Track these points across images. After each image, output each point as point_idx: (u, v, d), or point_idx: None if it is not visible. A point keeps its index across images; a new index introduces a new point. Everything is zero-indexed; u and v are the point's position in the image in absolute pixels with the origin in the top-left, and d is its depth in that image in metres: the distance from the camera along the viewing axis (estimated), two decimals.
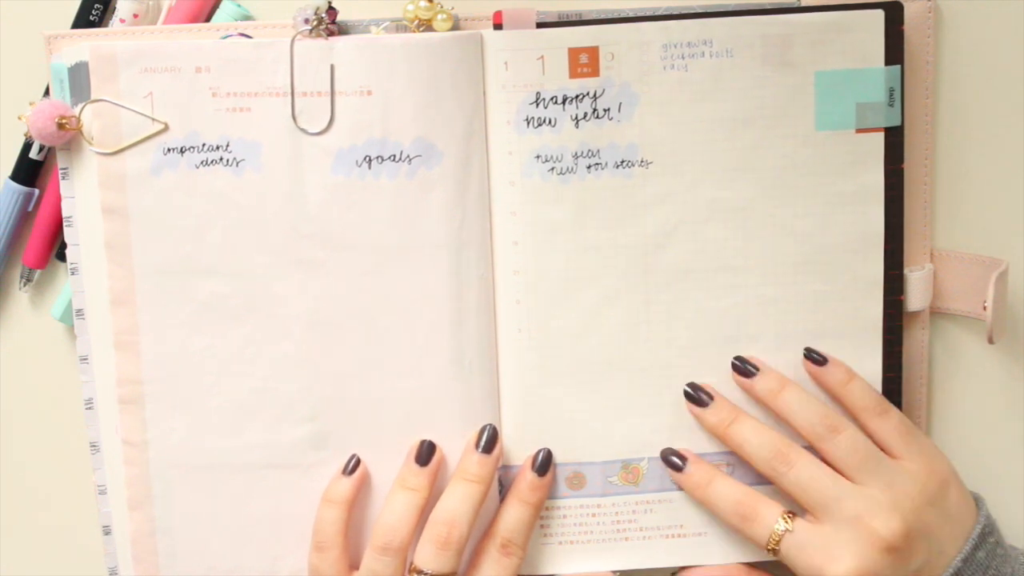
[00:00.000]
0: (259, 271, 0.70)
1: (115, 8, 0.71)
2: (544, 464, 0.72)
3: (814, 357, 0.71)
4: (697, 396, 0.71)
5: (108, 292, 0.70)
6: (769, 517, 0.69)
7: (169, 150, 0.69)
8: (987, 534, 0.69)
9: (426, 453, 0.70)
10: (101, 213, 0.69)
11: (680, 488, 0.72)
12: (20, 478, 0.77)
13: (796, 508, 0.69)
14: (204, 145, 0.69)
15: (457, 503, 0.69)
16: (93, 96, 0.68)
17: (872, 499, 0.67)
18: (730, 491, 0.70)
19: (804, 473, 0.69)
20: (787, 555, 0.68)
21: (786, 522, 0.68)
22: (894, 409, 0.70)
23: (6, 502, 0.77)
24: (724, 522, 0.71)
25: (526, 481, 0.71)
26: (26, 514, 0.77)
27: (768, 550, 0.69)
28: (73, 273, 0.71)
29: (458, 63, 0.69)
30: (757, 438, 0.70)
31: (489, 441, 0.70)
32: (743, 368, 0.71)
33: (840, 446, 0.69)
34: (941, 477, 0.69)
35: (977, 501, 0.71)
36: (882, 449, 0.69)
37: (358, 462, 0.71)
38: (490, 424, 0.71)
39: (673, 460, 0.72)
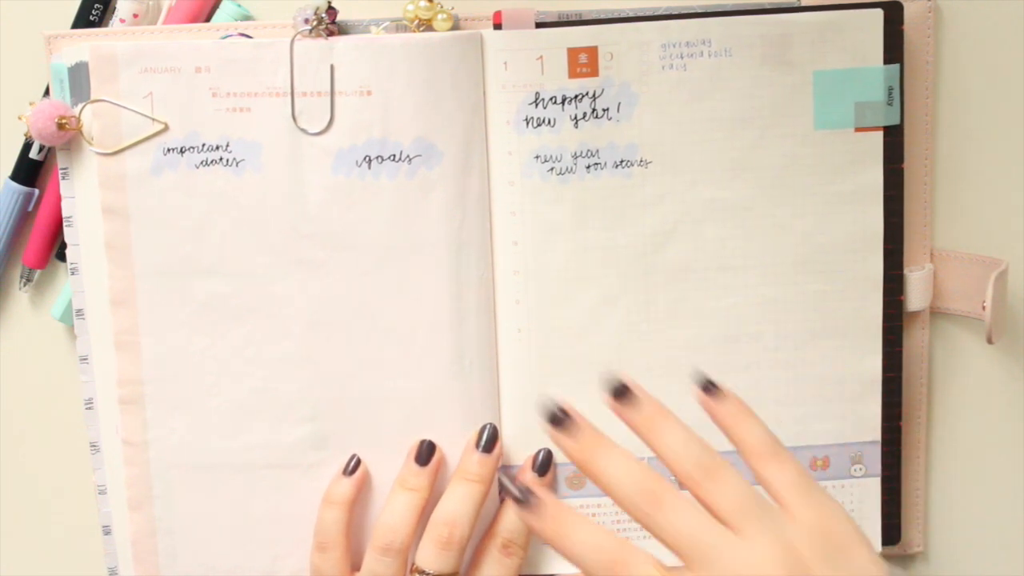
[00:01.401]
0: (259, 271, 0.70)
1: (115, 8, 0.71)
2: (544, 464, 0.71)
3: (707, 386, 0.61)
4: (554, 415, 0.60)
5: (108, 292, 0.70)
6: (641, 568, 0.58)
7: (169, 150, 0.69)
8: None
9: (426, 453, 0.70)
10: (101, 213, 0.69)
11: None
12: (20, 478, 0.77)
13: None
14: (204, 145, 0.69)
15: (458, 503, 0.69)
16: (93, 96, 0.68)
17: (756, 553, 0.57)
18: (597, 536, 0.59)
19: (677, 518, 0.57)
20: None
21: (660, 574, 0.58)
22: (792, 456, 0.60)
23: (6, 502, 0.77)
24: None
25: (527, 481, 0.71)
26: (26, 514, 0.77)
27: None
28: (73, 273, 0.71)
29: (458, 63, 0.69)
30: (621, 471, 0.59)
31: (489, 440, 0.70)
32: (618, 391, 0.61)
33: (721, 491, 0.58)
34: (841, 534, 0.59)
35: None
36: (774, 500, 0.59)
37: (358, 462, 0.71)
38: (490, 423, 0.71)
39: (520, 494, 0.59)
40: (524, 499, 0.59)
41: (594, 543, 0.58)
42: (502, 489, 0.69)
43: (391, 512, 0.69)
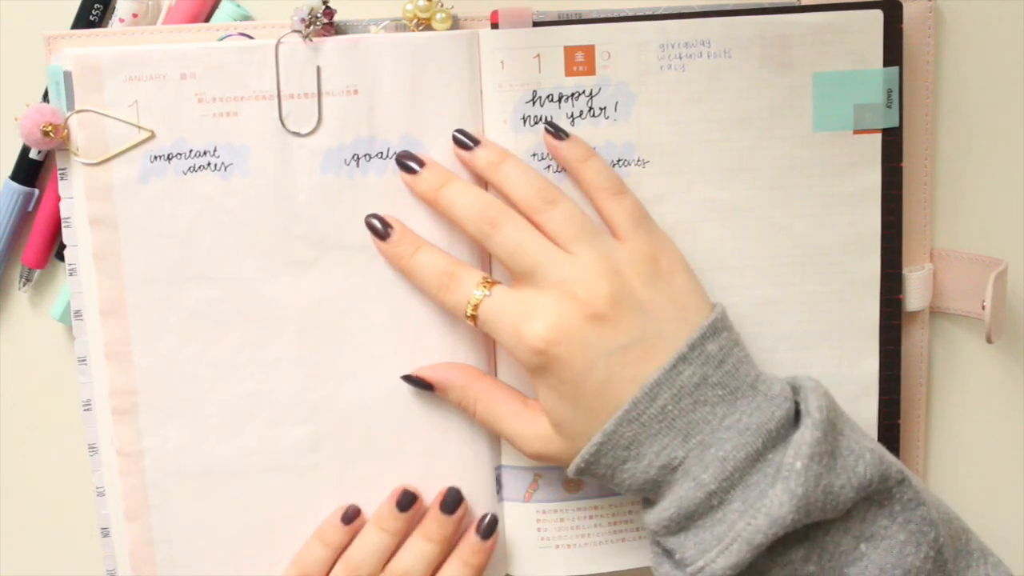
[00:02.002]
0: (250, 274, 0.70)
1: (115, 8, 0.71)
2: (489, 528, 0.71)
3: (555, 131, 0.68)
4: (405, 164, 0.68)
5: (98, 303, 0.70)
6: (468, 283, 0.66)
7: (156, 157, 0.69)
8: (720, 329, 0.64)
9: (407, 501, 0.70)
10: (88, 224, 0.69)
11: (386, 260, 0.69)
12: (20, 478, 0.77)
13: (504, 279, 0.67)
14: (191, 151, 0.69)
15: (414, 560, 0.70)
16: (78, 107, 0.68)
17: (580, 266, 0.64)
18: (433, 258, 0.68)
19: (512, 236, 0.65)
20: (484, 321, 0.66)
21: (485, 288, 0.66)
22: (631, 193, 0.67)
23: (6, 502, 0.77)
24: (428, 296, 0.68)
25: (469, 544, 0.71)
26: (26, 515, 0.77)
27: (468, 318, 0.66)
28: (72, 274, 0.71)
29: (448, 61, 0.68)
30: (466, 199, 0.66)
31: (451, 503, 0.70)
32: (462, 141, 0.68)
33: (556, 217, 0.65)
34: (667, 262, 0.66)
35: (715, 305, 0.66)
36: (612, 232, 0.66)
37: (357, 512, 0.71)
38: (455, 487, 0.71)
39: (380, 228, 0.68)
40: (378, 230, 0.68)
41: (431, 261, 0.67)
42: (367, 223, 0.69)
43: (361, 549, 0.70)
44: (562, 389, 0.64)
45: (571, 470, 0.65)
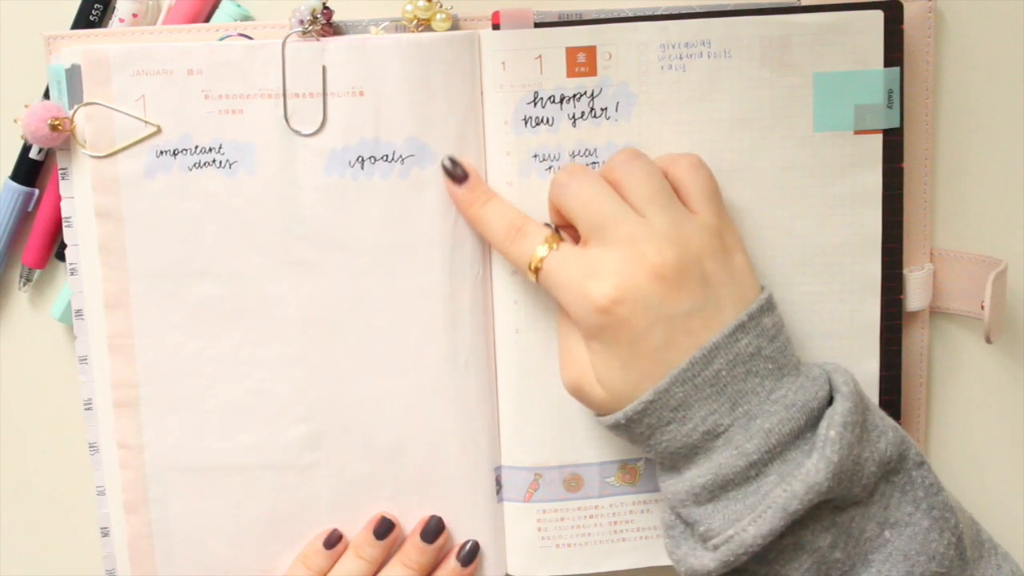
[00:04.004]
0: (253, 273, 0.70)
1: (115, 8, 0.71)
2: (470, 555, 0.72)
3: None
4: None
5: (102, 295, 0.70)
6: (536, 237, 0.66)
7: (162, 152, 0.69)
8: (773, 306, 0.65)
9: (384, 529, 0.71)
10: (95, 217, 0.69)
11: (456, 204, 0.70)
12: (20, 478, 0.77)
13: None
14: (197, 147, 0.69)
15: None
16: (86, 99, 0.68)
17: (652, 228, 0.63)
18: (503, 209, 0.68)
19: (584, 190, 0.65)
20: (548, 275, 0.65)
21: (553, 243, 0.66)
22: (707, 167, 0.67)
23: (6, 502, 0.77)
24: (493, 245, 0.69)
25: (448, 570, 0.72)
26: (26, 514, 0.77)
27: (532, 272, 0.66)
28: (72, 273, 0.71)
29: (451, 63, 0.69)
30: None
31: (432, 532, 0.71)
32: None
33: (634, 173, 0.65)
34: (730, 239, 0.66)
35: (763, 287, 0.66)
36: (684, 202, 0.66)
37: (339, 537, 0.71)
38: (437, 516, 0.71)
39: (457, 171, 0.69)
40: (455, 173, 0.69)
41: (502, 211, 0.68)
42: (443, 166, 0.69)
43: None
44: (617, 349, 0.63)
45: (608, 422, 0.65)
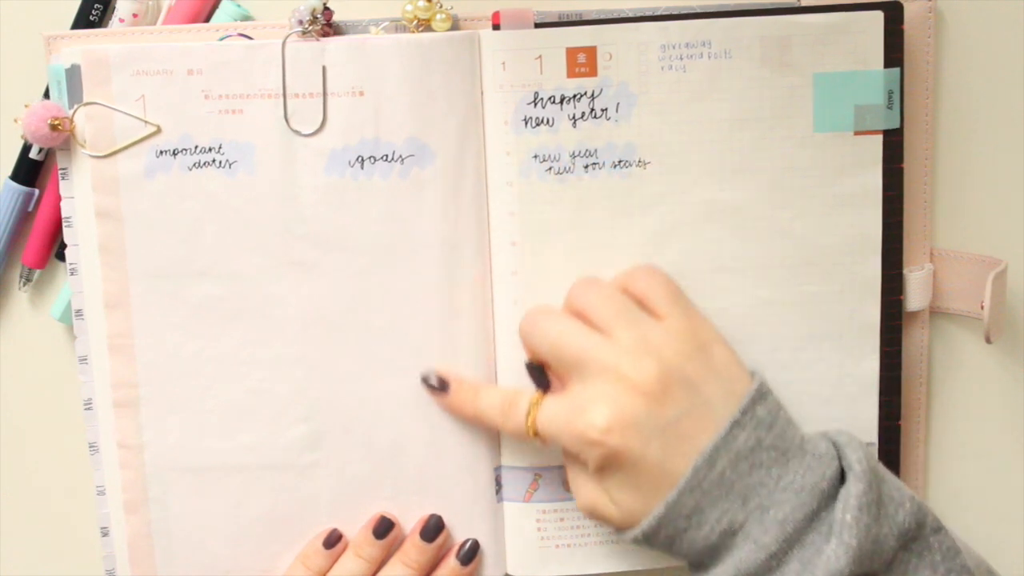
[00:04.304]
0: (253, 273, 0.70)
1: (115, 8, 0.71)
2: (469, 554, 0.72)
3: None
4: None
5: (102, 295, 0.70)
6: (523, 404, 0.67)
7: (162, 152, 0.69)
8: (765, 393, 0.65)
9: (383, 528, 0.71)
10: (95, 217, 0.69)
11: (449, 411, 0.70)
12: (20, 478, 0.77)
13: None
14: (197, 147, 0.69)
15: None
16: (86, 99, 0.68)
17: (624, 348, 0.64)
18: (493, 395, 0.69)
19: (549, 331, 0.67)
20: (545, 433, 0.66)
21: (536, 402, 0.66)
22: (663, 273, 0.68)
23: (6, 502, 0.77)
24: (498, 430, 0.70)
25: (448, 569, 0.72)
26: (26, 514, 0.77)
27: (535, 438, 0.67)
28: (72, 273, 0.71)
29: (451, 63, 0.69)
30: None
31: (432, 530, 0.71)
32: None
33: (592, 299, 0.67)
34: (704, 337, 0.66)
35: (753, 372, 0.67)
36: (648, 312, 0.67)
37: (339, 537, 0.71)
38: (436, 515, 0.71)
39: (438, 384, 0.70)
40: (438, 387, 0.70)
41: (491, 398, 0.69)
42: (424, 383, 0.70)
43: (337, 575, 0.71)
44: (622, 474, 0.64)
45: (627, 538, 0.66)
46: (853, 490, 0.62)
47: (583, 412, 0.64)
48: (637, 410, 0.63)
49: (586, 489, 0.66)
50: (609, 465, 0.64)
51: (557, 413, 0.66)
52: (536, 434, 0.67)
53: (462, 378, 0.70)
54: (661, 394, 0.63)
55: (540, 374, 0.69)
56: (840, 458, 0.64)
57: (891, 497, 0.63)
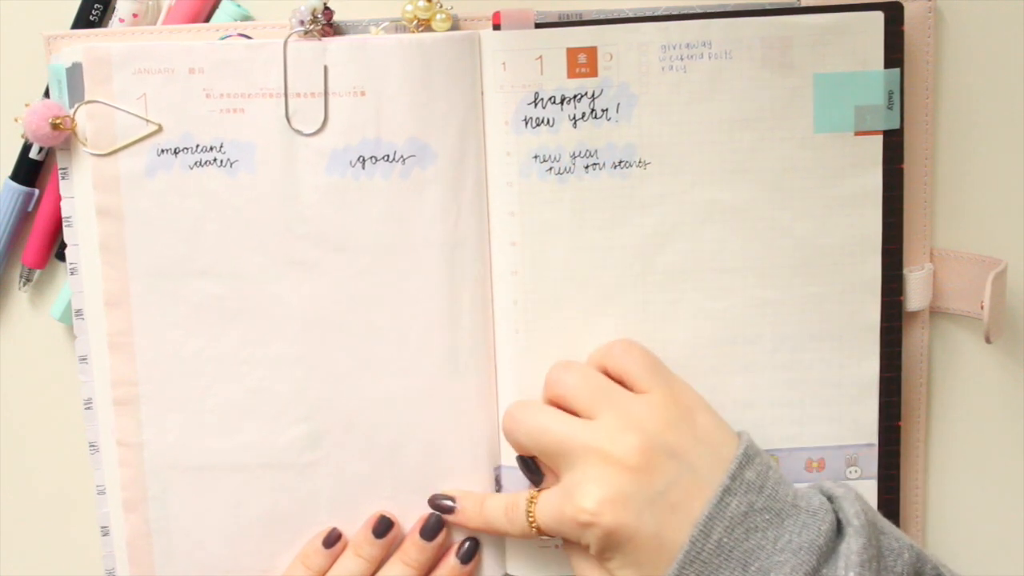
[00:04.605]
0: (253, 272, 0.70)
1: (115, 8, 0.71)
2: (469, 552, 0.72)
3: None
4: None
5: (103, 293, 0.70)
6: (522, 503, 0.68)
7: (163, 151, 0.69)
8: (753, 456, 0.65)
9: (383, 528, 0.71)
10: (95, 215, 0.69)
11: (460, 527, 0.71)
12: (20, 478, 0.77)
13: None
14: (198, 146, 0.69)
15: None
16: (87, 97, 0.68)
17: (605, 427, 0.65)
18: (496, 503, 0.69)
19: (531, 425, 0.67)
20: (546, 525, 0.66)
21: (531, 499, 0.67)
22: (640, 346, 0.69)
23: (6, 502, 0.77)
24: (506, 535, 0.70)
25: (448, 568, 0.72)
26: (26, 514, 0.77)
27: (536, 534, 0.67)
28: (72, 273, 0.71)
29: (452, 63, 0.69)
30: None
31: (432, 530, 0.71)
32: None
33: (569, 384, 0.67)
34: (685, 404, 0.67)
35: (739, 434, 0.68)
36: (628, 387, 0.67)
37: (339, 536, 0.71)
38: (436, 514, 0.71)
39: (444, 504, 0.71)
40: (443, 508, 0.70)
41: (495, 506, 0.69)
42: (434, 507, 0.71)
43: (337, 574, 0.71)
44: (622, 554, 0.64)
45: None
46: (854, 546, 0.62)
47: (572, 497, 0.64)
48: (624, 485, 0.63)
49: (594, 574, 0.67)
50: (608, 546, 0.64)
51: (551, 504, 0.66)
52: (540, 532, 0.67)
53: (465, 492, 0.71)
54: (646, 466, 0.64)
55: (533, 468, 0.69)
56: (836, 511, 0.65)
57: (890, 548, 0.64)
